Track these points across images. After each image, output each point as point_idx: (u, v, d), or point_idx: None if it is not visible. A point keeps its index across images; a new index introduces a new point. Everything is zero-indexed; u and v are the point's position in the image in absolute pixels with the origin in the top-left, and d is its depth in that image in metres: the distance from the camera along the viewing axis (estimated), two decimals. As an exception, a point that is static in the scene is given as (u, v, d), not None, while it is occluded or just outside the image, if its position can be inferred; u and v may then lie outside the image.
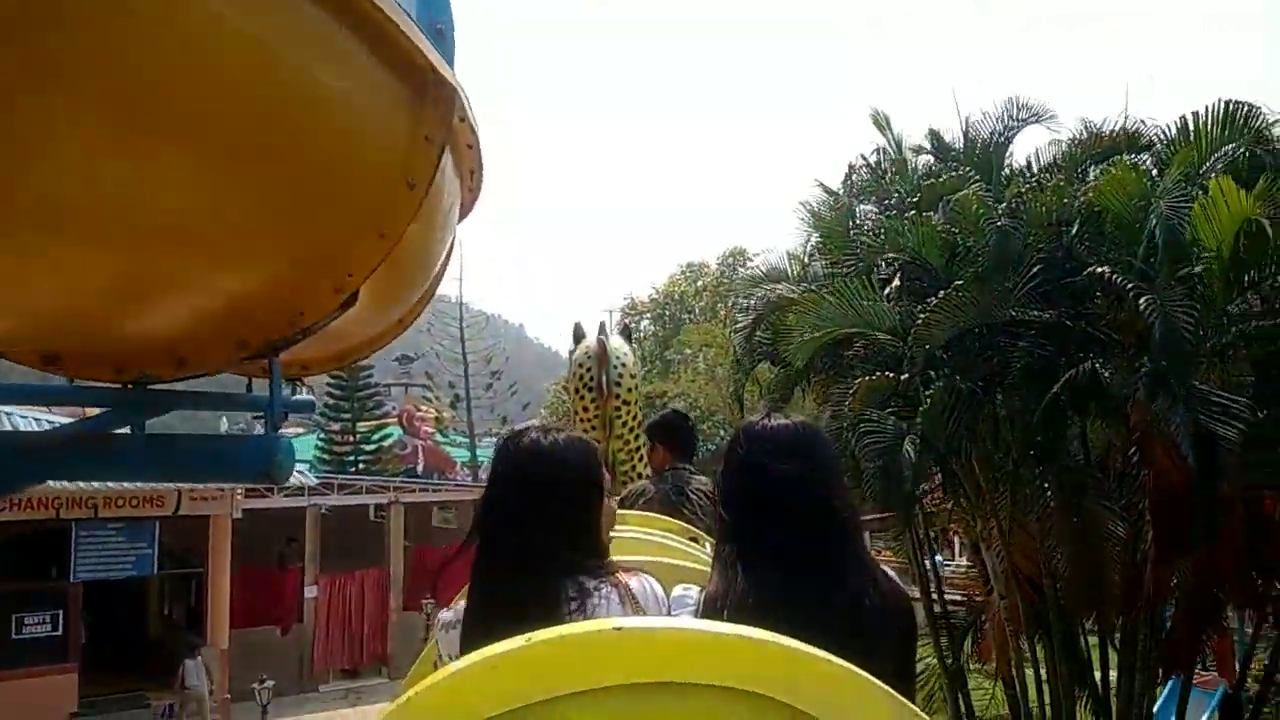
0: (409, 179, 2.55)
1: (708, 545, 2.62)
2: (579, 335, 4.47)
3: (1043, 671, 10.08)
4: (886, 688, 1.07)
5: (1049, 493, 8.54)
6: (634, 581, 1.70)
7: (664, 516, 3.02)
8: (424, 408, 28.51)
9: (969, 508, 8.89)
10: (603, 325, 4.50)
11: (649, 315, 35.64)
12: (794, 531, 1.63)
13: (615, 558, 1.84)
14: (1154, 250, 7.44)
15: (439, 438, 28.68)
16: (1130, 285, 7.07)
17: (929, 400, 7.52)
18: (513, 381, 27.56)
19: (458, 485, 24.38)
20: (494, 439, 29.51)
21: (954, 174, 9.22)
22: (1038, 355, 7.94)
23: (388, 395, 37.28)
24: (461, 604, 1.79)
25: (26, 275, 2.15)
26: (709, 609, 1.62)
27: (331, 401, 29.29)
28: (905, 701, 1.08)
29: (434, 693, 1.06)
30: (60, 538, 16.82)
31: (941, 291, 7.81)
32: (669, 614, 1.70)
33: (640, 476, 4.18)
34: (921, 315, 7.87)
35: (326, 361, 3.52)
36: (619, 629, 1.07)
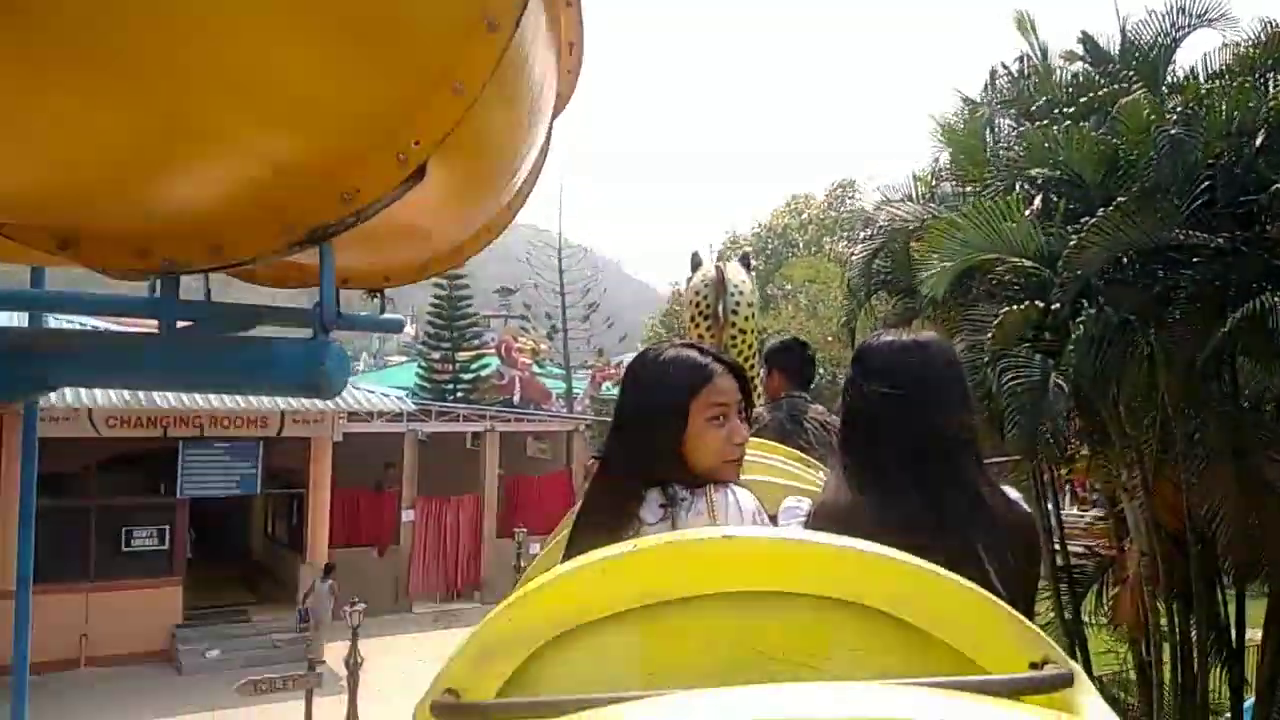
0: (488, 18, 1.91)
1: (821, 472, 2.57)
2: (696, 263, 4.39)
3: (1176, 634, 9.19)
4: (998, 601, 1.01)
5: (1204, 441, 7.57)
6: (719, 495, 1.70)
7: (777, 444, 2.91)
8: (521, 339, 28.33)
9: (1113, 455, 7.92)
10: (721, 253, 4.30)
11: (751, 249, 34.61)
12: (896, 449, 1.62)
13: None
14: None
15: (536, 369, 28.53)
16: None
17: (1080, 333, 6.59)
18: (609, 315, 27.07)
19: (552, 415, 24.16)
20: (589, 371, 29.24)
21: (1111, 83, 8.10)
22: (1207, 285, 6.92)
23: (487, 326, 37.44)
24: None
25: (41, 112, 1.61)
26: (819, 520, 1.63)
27: (432, 330, 29.45)
28: (1019, 615, 1.00)
29: (546, 591, 1.06)
30: (168, 456, 17.20)
31: (1101, 210, 6.83)
32: (768, 525, 1.72)
33: (756, 405, 3.96)
34: (1075, 237, 6.92)
35: (408, 272, 3.09)
36: (728, 537, 1.09)
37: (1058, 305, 6.90)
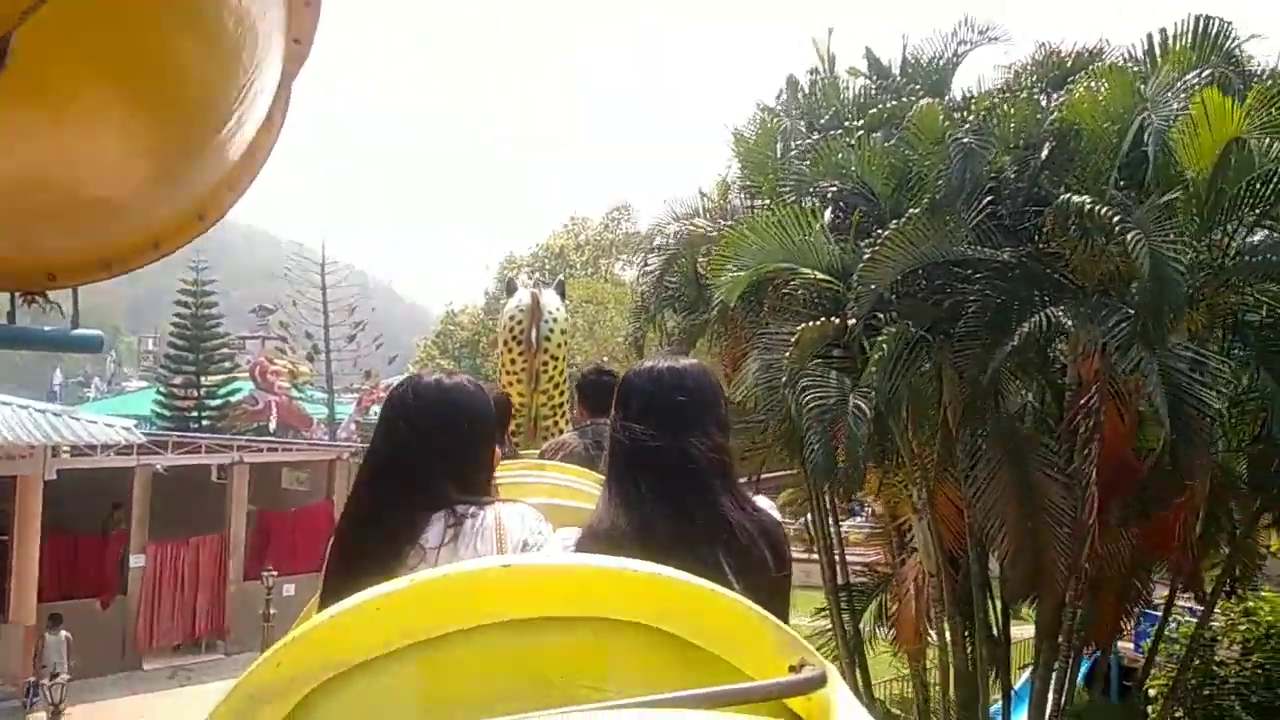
0: None
1: None
2: (511, 288, 4.41)
3: (949, 649, 9.20)
4: (758, 608, 1.03)
5: (983, 457, 7.49)
6: (507, 509, 1.77)
7: (581, 468, 2.97)
8: (278, 361, 25.95)
9: (903, 473, 7.69)
10: (537, 280, 4.17)
11: (528, 270, 33.86)
12: (652, 474, 1.70)
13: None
14: (1132, 176, 6.38)
15: (294, 393, 26.21)
16: (1114, 215, 5.95)
17: (881, 350, 6.24)
18: (378, 334, 25.32)
19: (311, 444, 22.17)
20: (355, 395, 27.28)
21: (896, 97, 7.97)
22: (992, 299, 6.82)
23: (241, 348, 34.34)
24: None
25: None
26: (586, 543, 1.69)
27: (173, 352, 26.48)
28: (776, 621, 1.03)
29: (317, 633, 1.01)
30: None
31: (894, 223, 6.56)
32: (547, 546, 1.79)
33: (563, 431, 4.20)
34: (869, 250, 6.61)
35: (81, 267, 2.52)
36: (507, 565, 1.08)
37: (853, 321, 6.54)
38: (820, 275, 7.01)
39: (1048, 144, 6.76)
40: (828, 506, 9.17)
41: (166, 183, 2.36)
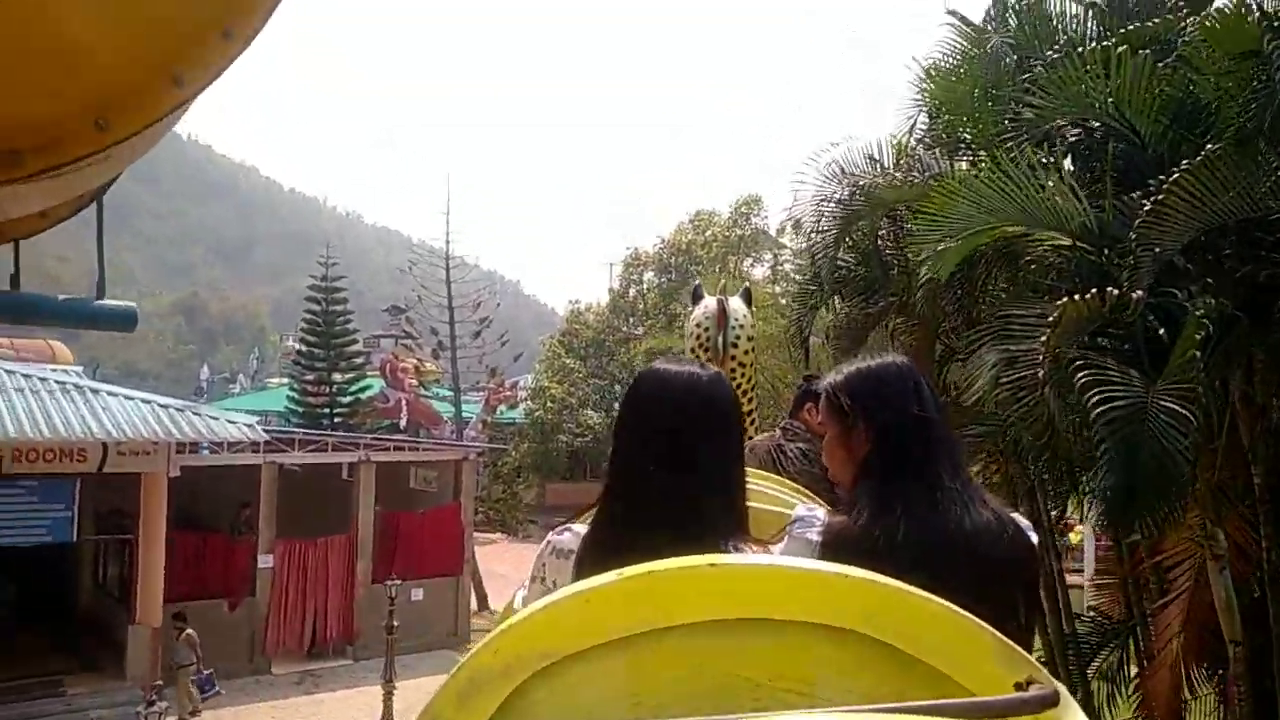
0: None
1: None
2: (697, 296, 4.11)
3: None
4: (982, 623, 0.97)
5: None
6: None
7: (770, 474, 2.56)
8: (404, 358, 25.26)
9: (1200, 504, 5.54)
10: (724, 286, 4.26)
11: (653, 267, 32.37)
12: (927, 473, 1.60)
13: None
14: None
15: (422, 390, 25.48)
16: None
17: (1197, 331, 4.33)
18: (504, 330, 24.32)
19: (437, 443, 21.23)
20: (481, 392, 26.36)
21: (1149, 17, 5.98)
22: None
23: (376, 347, 34.17)
24: (577, 528, 1.66)
25: None
26: (838, 536, 1.59)
27: (304, 349, 26.14)
28: (1001, 636, 0.96)
29: (531, 622, 1.03)
30: (-44, 496, 13.73)
31: (1183, 164, 4.64)
32: (788, 537, 1.67)
33: (752, 438, 3.64)
34: (1146, 203, 4.71)
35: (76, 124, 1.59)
36: (713, 564, 1.05)
37: (1138, 294, 4.61)
38: (1064, 240, 5.13)
39: None
40: (1052, 539, 7.21)
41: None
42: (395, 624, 13.26)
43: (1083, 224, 4.99)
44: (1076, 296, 4.50)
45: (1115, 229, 5.11)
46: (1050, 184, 5.07)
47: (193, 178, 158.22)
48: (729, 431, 1.58)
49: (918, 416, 1.64)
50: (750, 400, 3.99)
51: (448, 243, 23.00)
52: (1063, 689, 0.89)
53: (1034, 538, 1.61)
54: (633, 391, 1.66)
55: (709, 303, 3.94)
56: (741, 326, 3.89)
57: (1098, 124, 5.54)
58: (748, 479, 1.95)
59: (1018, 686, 0.91)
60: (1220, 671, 6.54)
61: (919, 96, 7.09)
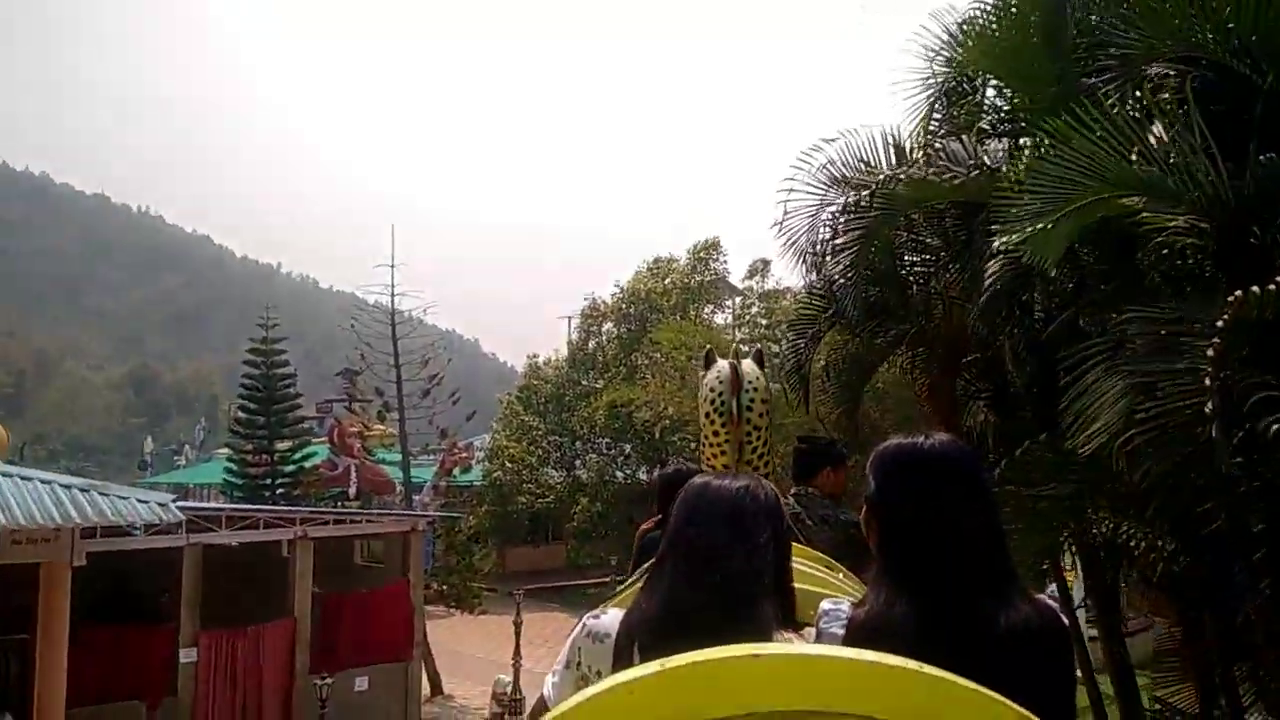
0: None
1: (840, 574, 2.62)
2: (710, 360, 4.13)
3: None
4: (1031, 716, 0.99)
5: None
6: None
7: (797, 544, 2.55)
8: (349, 420, 23.31)
9: None
10: (736, 350, 4.34)
11: (612, 318, 30.82)
12: (957, 559, 1.55)
13: None
14: None
15: (368, 458, 23.47)
16: None
17: None
18: (455, 388, 22.53)
19: (381, 513, 19.23)
20: (435, 455, 24.41)
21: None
22: None
23: (329, 412, 32.08)
24: (614, 611, 1.66)
25: None
26: (860, 632, 1.54)
27: (245, 416, 24.04)
28: None
29: (577, 711, 1.03)
30: None
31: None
32: (818, 633, 1.66)
33: None
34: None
35: None
36: (756, 655, 1.04)
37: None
38: (1182, 217, 3.63)
39: None
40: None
41: None
42: (325, 713, 11.30)
43: (1216, 195, 3.52)
44: (1254, 288, 3.00)
45: (1243, 191, 3.64)
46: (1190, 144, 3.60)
47: (144, 249, 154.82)
48: (777, 536, 1.58)
49: (932, 510, 1.56)
50: (767, 464, 3.84)
51: (393, 297, 21.33)
52: None
53: (1061, 620, 1.55)
54: (680, 507, 1.65)
55: (722, 366, 3.87)
56: (755, 389, 3.81)
57: (1206, 64, 4.08)
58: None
59: None
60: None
61: (935, 71, 5.68)
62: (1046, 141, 4.02)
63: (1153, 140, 3.87)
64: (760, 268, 28.64)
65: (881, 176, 5.44)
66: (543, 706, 1.75)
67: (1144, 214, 3.56)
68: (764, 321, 28.10)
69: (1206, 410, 2.91)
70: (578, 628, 1.67)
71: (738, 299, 31.08)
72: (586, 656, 1.61)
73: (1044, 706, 1.01)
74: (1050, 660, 1.49)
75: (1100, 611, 5.88)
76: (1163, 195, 3.53)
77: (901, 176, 5.28)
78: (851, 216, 5.67)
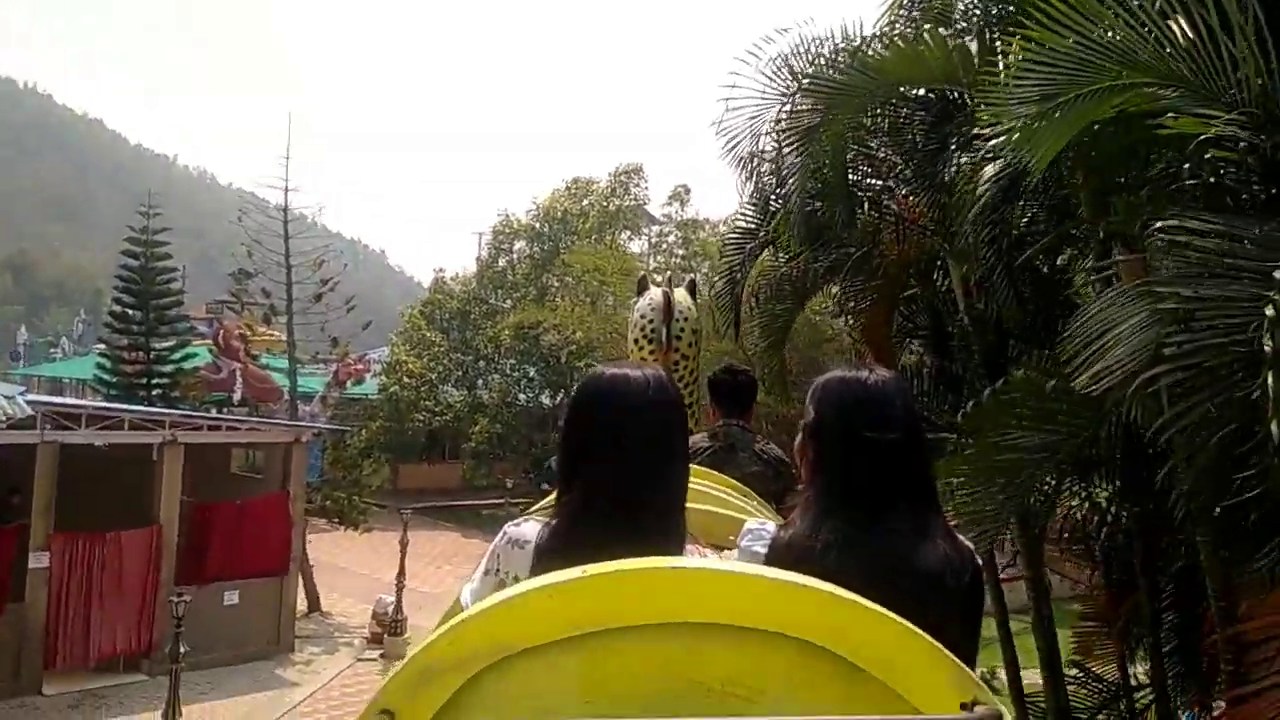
0: None
1: (755, 501, 2.59)
2: (643, 286, 4.03)
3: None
4: (934, 642, 0.98)
5: None
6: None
7: (714, 471, 2.68)
8: (234, 322, 21.70)
9: None
10: (670, 278, 4.17)
11: (525, 236, 29.58)
12: (887, 492, 1.56)
13: None
14: None
15: (259, 360, 21.98)
16: None
17: None
18: (351, 295, 21.15)
19: (262, 421, 18.00)
20: (322, 365, 23.09)
21: None
22: None
23: (221, 313, 30.12)
24: (532, 523, 1.60)
25: None
26: (784, 551, 1.57)
27: (118, 310, 22.14)
28: (951, 657, 0.98)
29: (490, 615, 1.01)
30: None
31: None
32: (740, 550, 1.66)
33: (694, 432, 3.62)
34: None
35: None
36: (676, 568, 1.05)
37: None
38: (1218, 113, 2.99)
39: None
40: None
41: None
42: (184, 649, 10.36)
43: (1262, 90, 2.87)
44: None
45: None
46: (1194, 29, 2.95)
47: (28, 127, 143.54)
48: (670, 433, 1.53)
49: (869, 442, 1.56)
50: (692, 394, 3.82)
51: (286, 192, 19.69)
52: (1004, 710, 0.89)
53: (975, 557, 1.58)
54: (577, 394, 1.62)
55: (654, 294, 3.82)
56: (686, 319, 3.76)
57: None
58: (693, 480, 1.83)
59: (964, 706, 0.92)
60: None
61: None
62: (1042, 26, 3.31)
63: (1175, 31, 3.18)
64: (682, 194, 27.80)
65: (838, 60, 4.67)
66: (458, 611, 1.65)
67: (1174, 111, 2.88)
68: (681, 251, 27.40)
69: (1266, 348, 2.28)
70: (499, 537, 1.63)
71: (655, 227, 30.26)
72: (505, 563, 1.57)
73: (951, 641, 1.00)
74: (962, 597, 1.51)
75: (1029, 566, 5.47)
76: (1200, 91, 2.87)
77: (861, 62, 4.51)
78: (801, 111, 4.89)
